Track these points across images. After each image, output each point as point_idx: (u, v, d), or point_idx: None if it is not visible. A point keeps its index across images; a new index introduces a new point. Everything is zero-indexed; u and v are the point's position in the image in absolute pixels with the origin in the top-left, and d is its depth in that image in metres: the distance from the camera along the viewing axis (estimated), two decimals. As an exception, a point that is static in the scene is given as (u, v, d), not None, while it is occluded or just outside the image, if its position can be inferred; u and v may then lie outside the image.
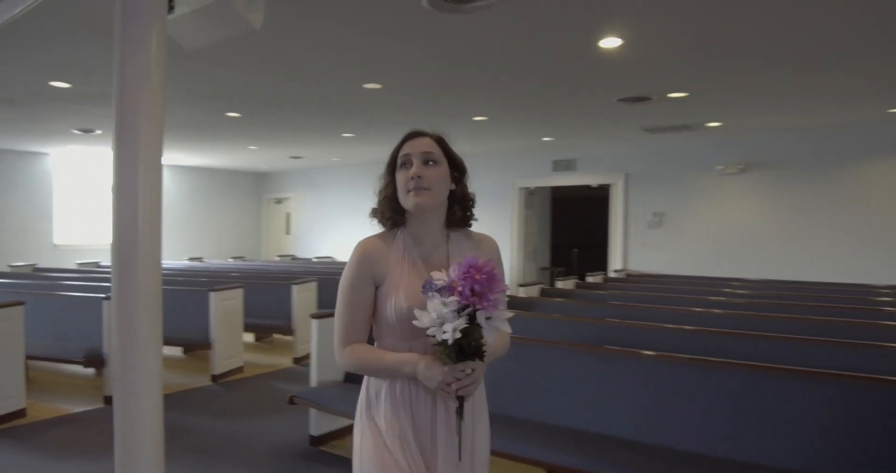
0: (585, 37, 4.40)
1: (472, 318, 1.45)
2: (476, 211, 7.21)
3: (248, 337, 7.81)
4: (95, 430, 4.46)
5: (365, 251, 1.69)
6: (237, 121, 7.69)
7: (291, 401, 3.98)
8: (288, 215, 14.31)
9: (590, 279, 8.17)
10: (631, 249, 9.64)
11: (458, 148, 6.91)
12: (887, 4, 3.74)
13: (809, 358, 3.30)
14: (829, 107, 6.68)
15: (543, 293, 6.74)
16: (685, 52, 4.75)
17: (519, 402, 3.53)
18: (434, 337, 1.47)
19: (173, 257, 11.63)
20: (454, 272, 1.47)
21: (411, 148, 1.69)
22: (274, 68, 5.30)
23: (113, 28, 2.86)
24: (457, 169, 1.76)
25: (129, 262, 2.90)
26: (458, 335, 1.43)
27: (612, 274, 9.16)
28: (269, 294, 6.95)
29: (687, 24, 4.12)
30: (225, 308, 6.04)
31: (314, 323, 4.18)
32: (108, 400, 5.02)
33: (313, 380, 4.17)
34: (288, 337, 7.67)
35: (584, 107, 6.87)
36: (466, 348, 1.48)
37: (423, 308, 1.50)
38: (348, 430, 4.33)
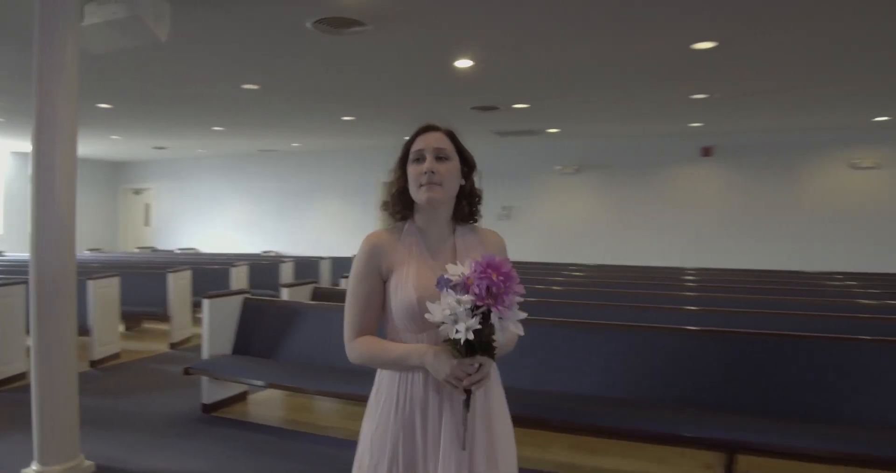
0: (443, 58, 5.22)
1: (485, 317, 1.44)
2: (341, 204, 8.29)
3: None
4: (-19, 412, 4.63)
5: (373, 244, 1.70)
6: (107, 111, 7.76)
7: (186, 372, 4.45)
8: (147, 206, 14.05)
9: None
10: (484, 239, 10.73)
11: (324, 143, 7.77)
12: (668, 54, 4.88)
13: (623, 318, 4.35)
14: (642, 119, 8.03)
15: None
16: (525, 73, 5.72)
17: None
18: (446, 335, 1.47)
19: (22, 249, 11.15)
20: (470, 269, 1.46)
21: (424, 143, 1.69)
22: (154, 66, 5.62)
23: (32, 35, 3.26)
24: (466, 164, 1.76)
25: (49, 249, 3.33)
26: (471, 336, 1.43)
27: (467, 262, 10.16)
28: (144, 282, 7.17)
29: (524, 52, 5.06)
30: (102, 295, 6.25)
31: (206, 302, 4.65)
32: (-14, 386, 5.15)
33: (205, 354, 4.65)
34: (159, 326, 7.90)
35: (442, 113, 7.71)
36: (477, 345, 1.47)
37: (433, 299, 1.50)
38: (238, 397, 4.86)
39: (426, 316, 1.49)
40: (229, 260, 9.29)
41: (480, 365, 1.50)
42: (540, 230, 10.39)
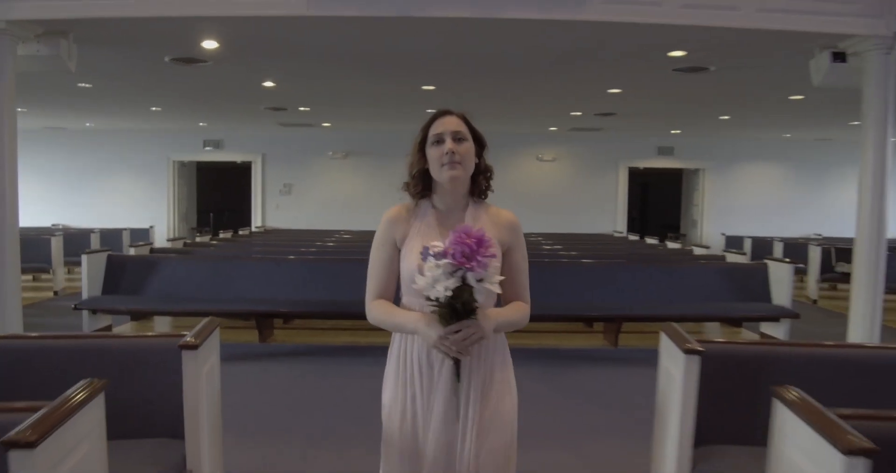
0: (255, 81, 7.35)
1: (462, 279, 1.55)
2: (132, 180, 11.02)
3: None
4: None
5: (390, 217, 1.88)
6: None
7: (76, 308, 6.10)
8: None
9: (241, 232, 11.09)
10: (268, 211, 12.81)
11: (118, 124, 10.20)
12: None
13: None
14: (393, 120, 10.76)
15: (212, 239, 9.52)
16: (310, 90, 8.05)
17: (229, 289, 6.37)
18: (430, 299, 1.59)
19: None
20: (448, 239, 1.58)
21: (443, 127, 1.80)
22: None
23: None
24: (479, 144, 1.87)
25: (7, 227, 4.91)
26: (449, 293, 1.54)
27: (254, 229, 12.18)
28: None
29: (310, 80, 7.39)
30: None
31: (84, 257, 6.31)
32: None
33: (85, 295, 6.29)
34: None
35: (239, 110, 9.70)
36: (460, 309, 1.58)
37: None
38: (105, 329, 6.56)
39: (412, 285, 1.67)
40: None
41: (459, 330, 1.59)
42: (316, 203, 12.76)
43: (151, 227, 11.97)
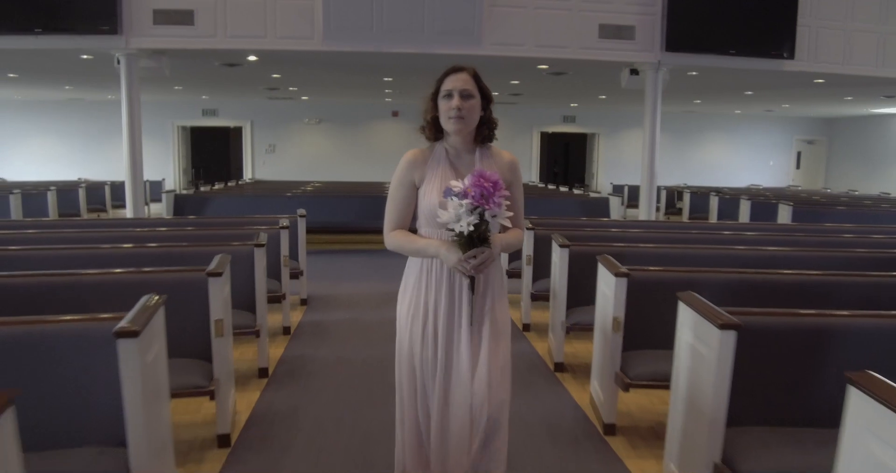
0: (267, 74, 10.56)
1: (481, 216, 1.92)
2: (144, 142, 14.84)
3: None
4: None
5: (409, 159, 2.24)
6: None
7: (160, 226, 9.36)
8: (-59, 139, 16.02)
9: (238, 183, 14.34)
10: (256, 166, 16.03)
11: (145, 97, 13.92)
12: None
13: (341, 197, 10.34)
14: (355, 94, 14.03)
15: (227, 187, 12.80)
16: (302, 79, 11.28)
17: (256, 214, 9.73)
18: (452, 230, 1.97)
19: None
20: (468, 181, 1.93)
21: (453, 84, 2.14)
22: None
23: (120, 71, 7.98)
24: (486, 98, 2.20)
25: (137, 172, 8.19)
26: (471, 228, 1.92)
27: (246, 181, 15.40)
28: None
29: (308, 73, 10.64)
30: None
31: (164, 195, 9.54)
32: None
33: (164, 219, 9.56)
34: None
35: (243, 91, 12.88)
36: (476, 238, 1.96)
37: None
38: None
39: (436, 219, 2.05)
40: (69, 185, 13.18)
41: (475, 256, 1.99)
42: (295, 160, 16.05)
43: (163, 179, 15.00)
